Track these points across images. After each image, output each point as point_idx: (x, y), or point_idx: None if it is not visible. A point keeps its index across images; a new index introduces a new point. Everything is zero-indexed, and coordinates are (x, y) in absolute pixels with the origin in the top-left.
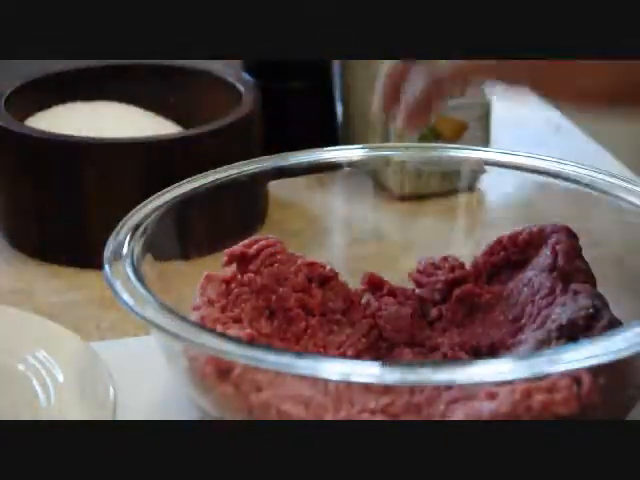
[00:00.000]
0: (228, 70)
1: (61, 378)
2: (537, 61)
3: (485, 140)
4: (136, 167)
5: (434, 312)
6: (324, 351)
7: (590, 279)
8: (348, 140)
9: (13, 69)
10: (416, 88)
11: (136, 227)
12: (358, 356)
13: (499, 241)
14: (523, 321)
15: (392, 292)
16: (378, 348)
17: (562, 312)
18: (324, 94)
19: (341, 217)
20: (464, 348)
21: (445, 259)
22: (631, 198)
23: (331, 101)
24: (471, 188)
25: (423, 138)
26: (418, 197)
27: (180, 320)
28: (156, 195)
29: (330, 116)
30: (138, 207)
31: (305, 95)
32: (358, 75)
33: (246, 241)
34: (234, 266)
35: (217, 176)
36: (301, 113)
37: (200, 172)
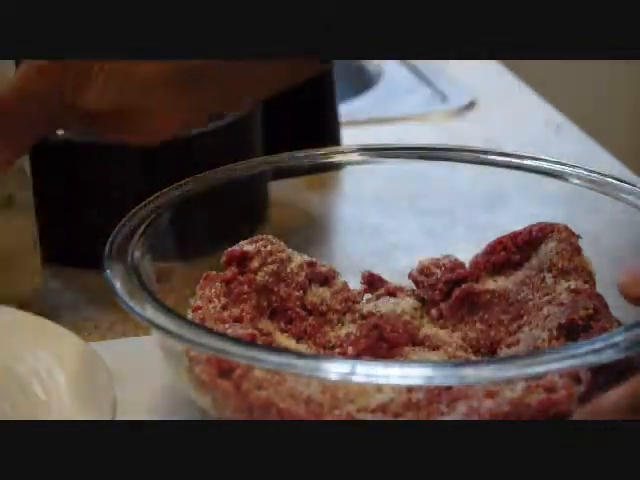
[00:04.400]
0: None
1: (61, 378)
2: None
3: None
4: (136, 167)
5: (434, 312)
6: (324, 351)
7: (590, 279)
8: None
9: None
10: None
11: (136, 227)
12: (358, 356)
13: (499, 241)
14: (523, 321)
15: (392, 292)
16: (378, 348)
17: (561, 312)
18: (324, 94)
19: (341, 217)
20: (464, 348)
21: (445, 259)
22: (631, 198)
23: (331, 101)
24: None
25: None
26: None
27: (180, 320)
28: (156, 195)
29: (330, 116)
30: (138, 207)
31: (305, 95)
32: None
33: (246, 241)
34: (234, 266)
35: (217, 176)
36: (301, 113)
37: (200, 172)
